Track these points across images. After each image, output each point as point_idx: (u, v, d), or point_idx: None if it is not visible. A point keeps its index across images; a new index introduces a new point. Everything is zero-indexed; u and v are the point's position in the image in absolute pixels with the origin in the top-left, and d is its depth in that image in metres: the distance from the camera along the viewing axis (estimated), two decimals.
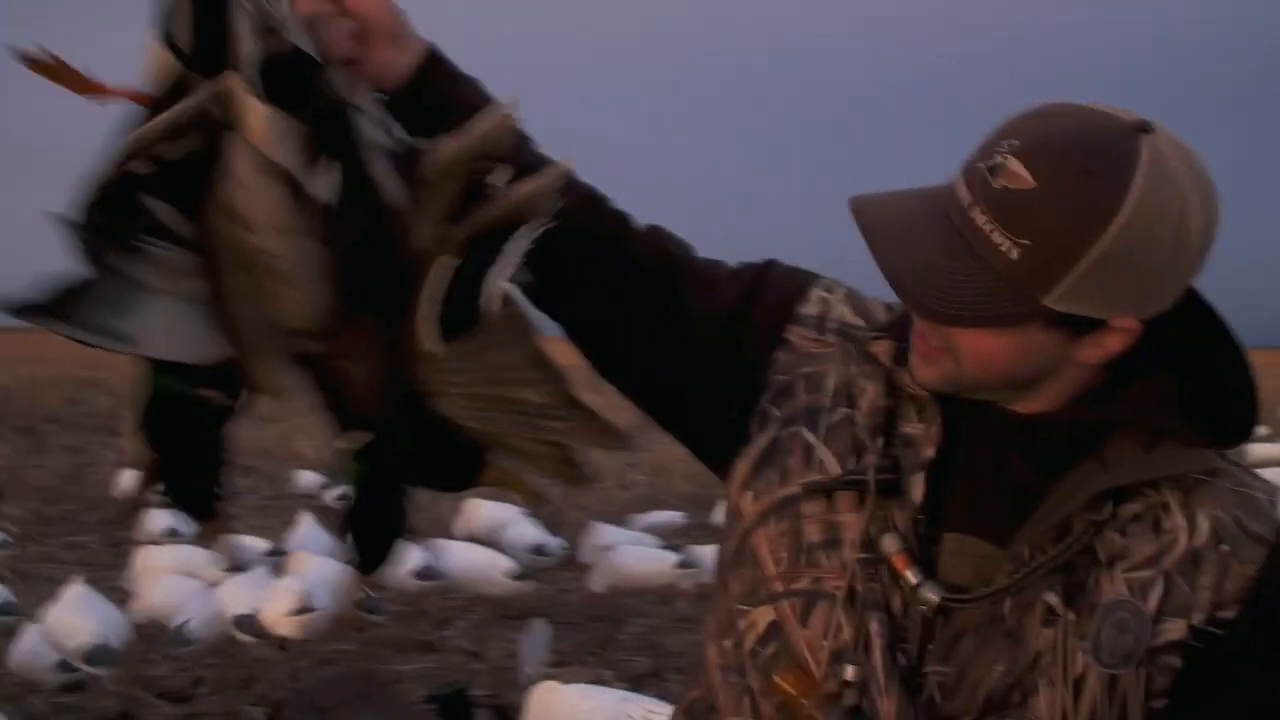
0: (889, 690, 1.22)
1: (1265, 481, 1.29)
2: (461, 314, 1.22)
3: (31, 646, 4.77)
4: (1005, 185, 1.10)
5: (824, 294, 1.37)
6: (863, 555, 1.24)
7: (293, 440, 14.73)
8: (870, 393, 1.29)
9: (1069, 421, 1.23)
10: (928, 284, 1.14)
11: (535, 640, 5.52)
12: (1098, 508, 1.20)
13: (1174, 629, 1.20)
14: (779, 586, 1.28)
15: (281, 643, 6.02)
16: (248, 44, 1.17)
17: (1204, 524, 1.21)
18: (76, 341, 1.17)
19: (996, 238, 1.11)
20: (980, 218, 1.12)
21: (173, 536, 7.15)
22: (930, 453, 1.24)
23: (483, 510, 7.47)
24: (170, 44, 1.18)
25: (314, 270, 1.22)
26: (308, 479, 10.34)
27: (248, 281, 1.21)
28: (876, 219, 1.18)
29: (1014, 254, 1.10)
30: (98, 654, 4.64)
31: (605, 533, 7.76)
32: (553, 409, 1.30)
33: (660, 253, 1.41)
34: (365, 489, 1.38)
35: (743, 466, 1.35)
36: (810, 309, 1.36)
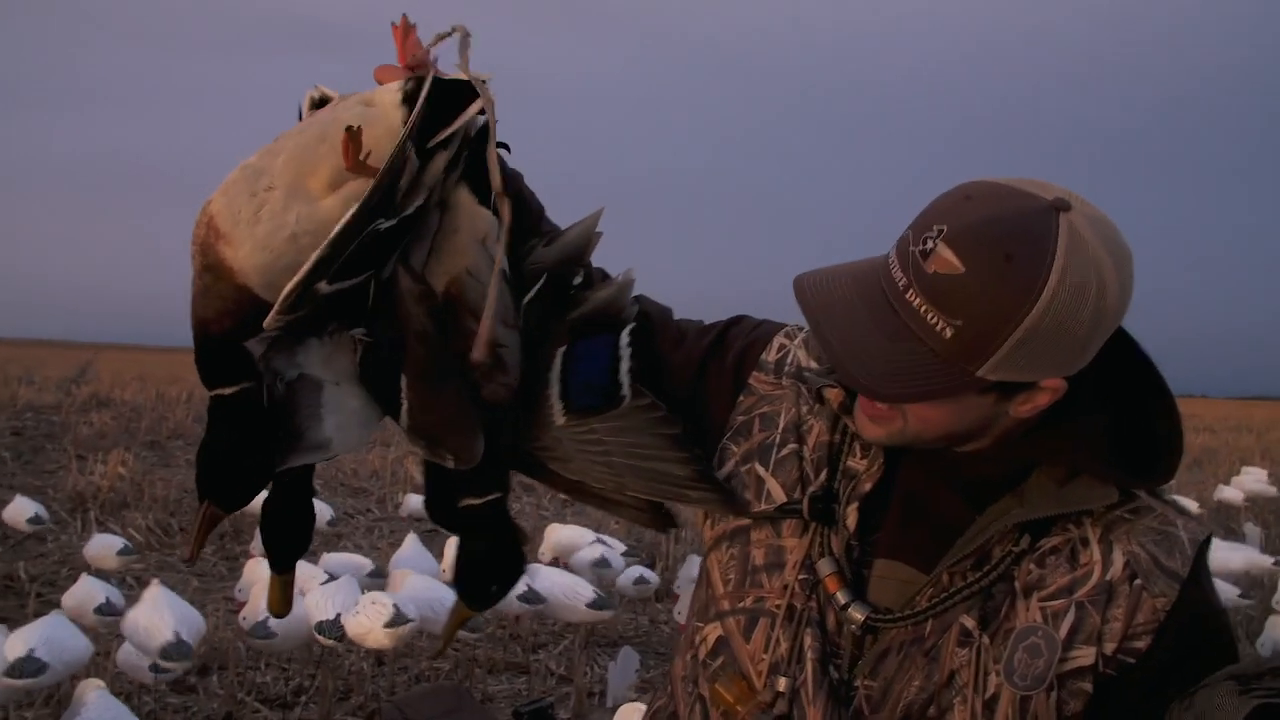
0: (815, 700, 1.31)
1: (1195, 522, 1.34)
2: (583, 394, 1.43)
3: (129, 649, 5.00)
4: (936, 270, 1.18)
5: (784, 340, 1.49)
6: (803, 576, 1.35)
7: (403, 463, 15.06)
8: (817, 430, 1.41)
9: (996, 459, 1.32)
10: (872, 369, 1.22)
11: (625, 667, 5.58)
12: (1016, 539, 1.29)
13: (1084, 655, 1.27)
14: (726, 605, 1.41)
15: (380, 656, 6.23)
16: (496, 175, 1.39)
17: (1118, 558, 1.28)
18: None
19: (931, 318, 1.18)
20: (915, 299, 1.19)
21: None
22: (867, 486, 1.36)
23: (579, 537, 7.57)
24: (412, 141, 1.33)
25: (518, 358, 1.41)
26: (416, 501, 10.55)
27: (457, 363, 1.38)
28: (821, 305, 1.27)
29: (948, 333, 1.18)
30: (171, 650, 4.85)
31: (696, 566, 7.78)
32: (694, 482, 1.44)
33: (641, 314, 1.54)
34: (480, 537, 1.50)
35: None
36: (771, 355, 1.48)
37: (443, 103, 1.35)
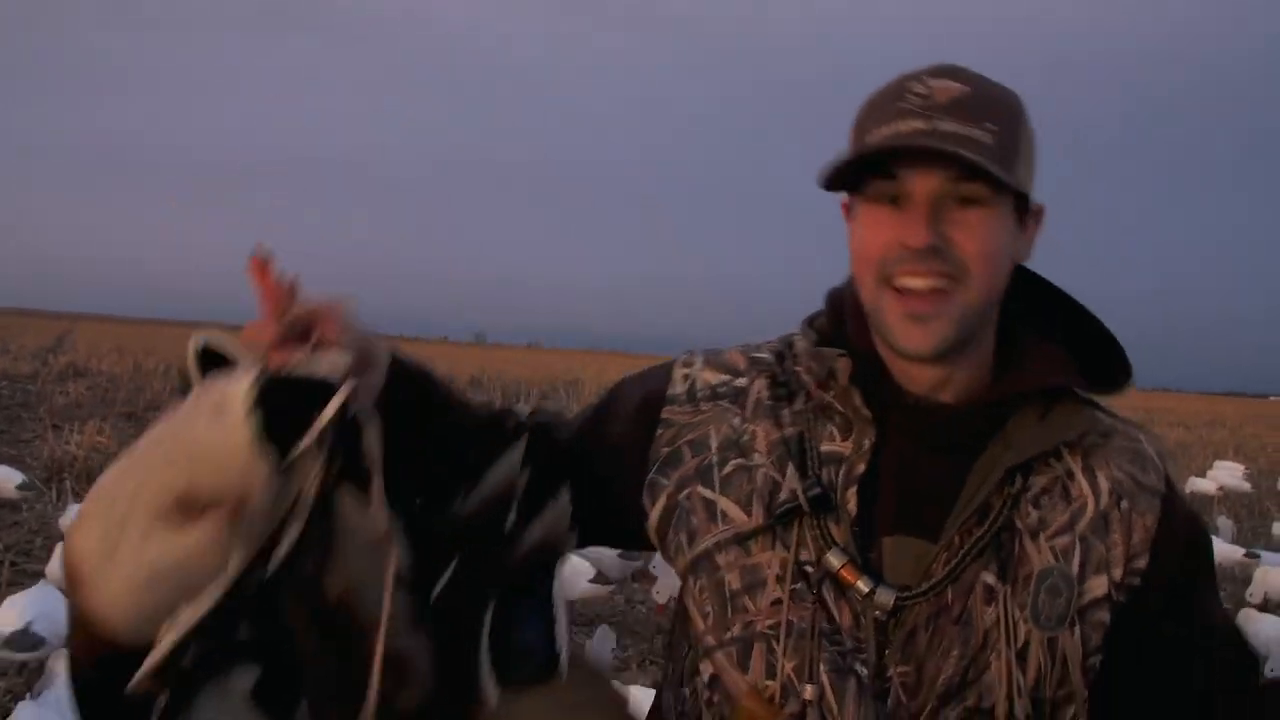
0: (845, 710, 1.27)
1: (1150, 433, 1.40)
2: (518, 663, 1.24)
3: None
4: (950, 98, 1.23)
5: (684, 370, 1.45)
6: (795, 586, 1.30)
7: None
8: (762, 433, 1.37)
9: (974, 410, 1.33)
10: (974, 156, 1.21)
11: (600, 644, 5.61)
12: (1009, 484, 1.30)
13: (1098, 585, 1.30)
14: (711, 640, 1.34)
15: None
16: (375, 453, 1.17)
17: (1104, 485, 1.32)
18: None
19: (975, 132, 1.22)
20: (951, 126, 1.22)
21: None
22: (861, 467, 1.32)
23: None
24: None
25: (427, 659, 1.22)
26: None
27: (358, 673, 1.17)
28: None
29: (989, 139, 1.22)
30: (19, 641, 4.83)
31: None
32: None
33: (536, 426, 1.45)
34: None
35: (652, 538, 1.42)
36: (677, 389, 1.44)
37: (303, 395, 1.14)
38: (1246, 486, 15.61)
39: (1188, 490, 14.10)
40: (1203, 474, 15.93)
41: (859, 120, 1.30)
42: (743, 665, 1.31)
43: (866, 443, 1.32)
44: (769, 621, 1.30)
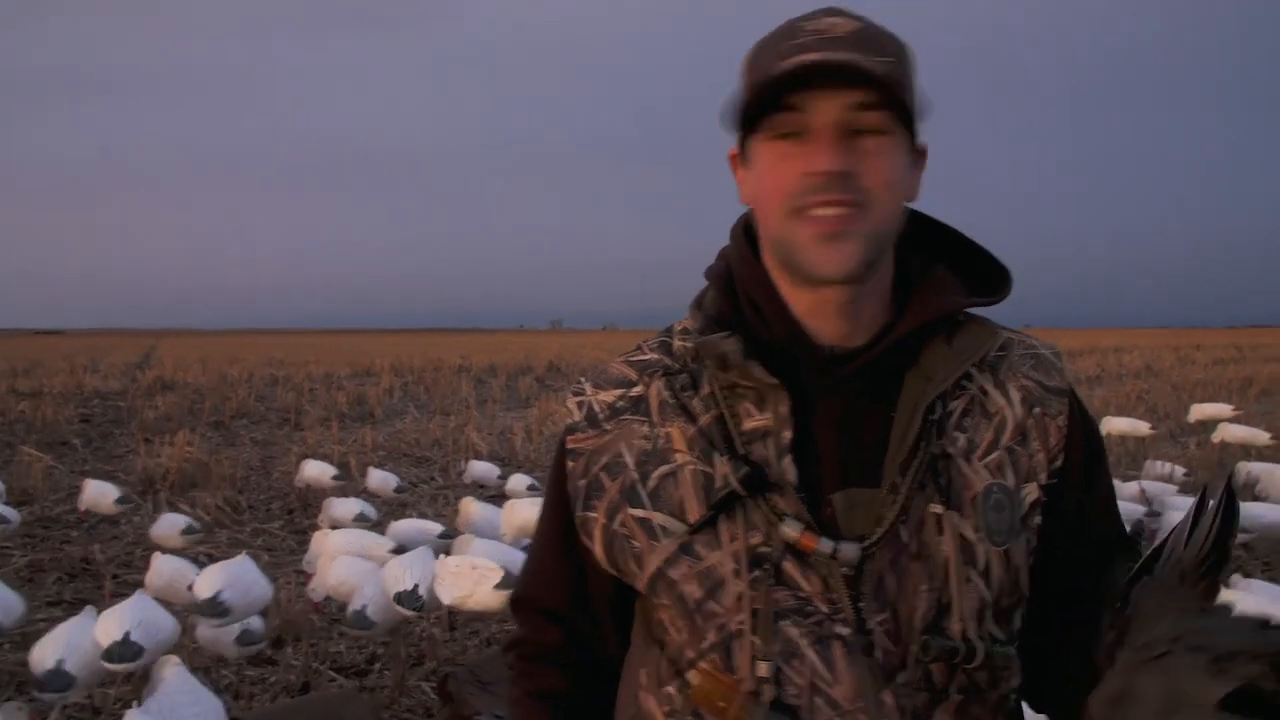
0: (839, 679, 1.26)
1: (1044, 340, 1.44)
2: None
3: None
4: (846, 32, 1.25)
5: (578, 399, 1.43)
6: (754, 575, 1.28)
7: (464, 431, 15.20)
8: (677, 433, 1.34)
9: (886, 351, 1.32)
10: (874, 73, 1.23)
11: None
12: (931, 412, 1.31)
13: (1030, 492, 1.34)
14: (690, 653, 1.32)
15: (451, 622, 6.30)
16: None
17: (1016, 395, 1.36)
18: None
19: (873, 61, 1.22)
20: (850, 55, 1.22)
21: (361, 521, 7.50)
22: (788, 434, 1.30)
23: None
24: None
25: None
26: (479, 469, 10.65)
27: None
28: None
29: (883, 69, 1.22)
30: (208, 607, 4.93)
31: None
32: None
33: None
34: None
35: (606, 570, 1.39)
36: (575, 417, 1.42)
37: None
38: None
39: None
40: None
41: (751, 64, 1.29)
42: (728, 668, 1.30)
43: (784, 409, 1.30)
44: (739, 618, 1.28)
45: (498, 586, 5.15)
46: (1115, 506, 1.46)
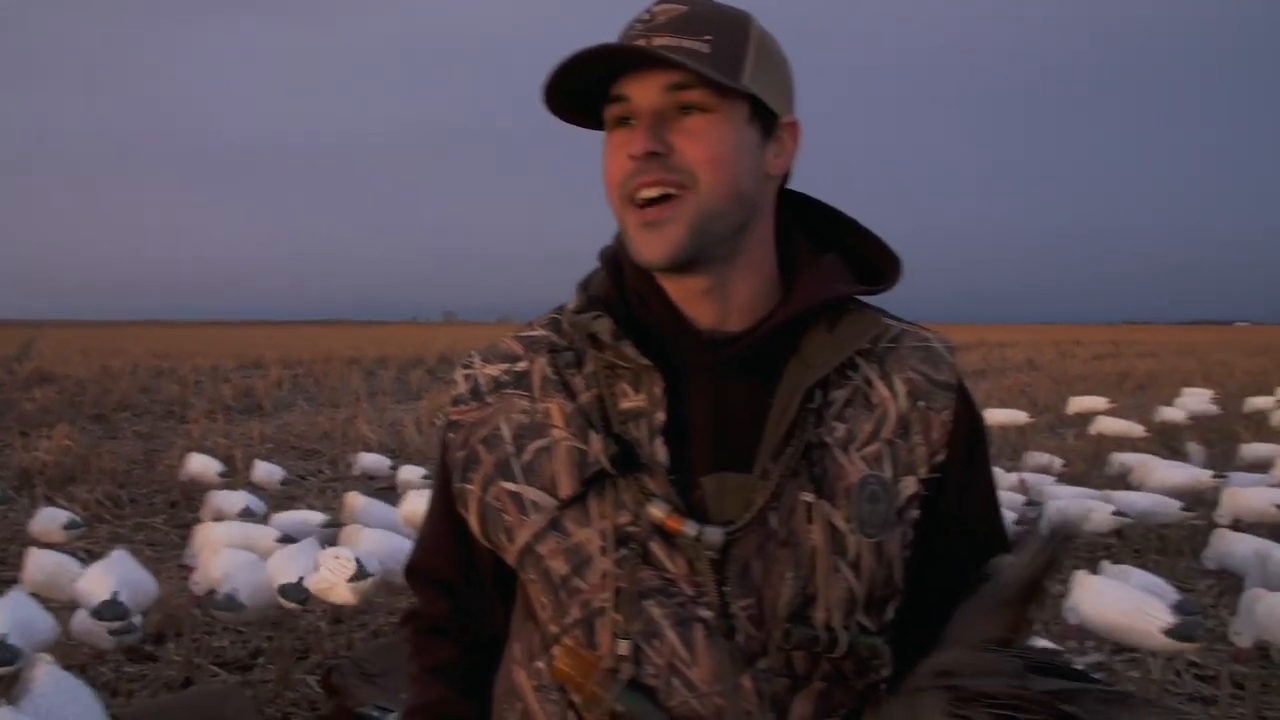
0: (697, 660, 1.28)
1: (938, 332, 1.44)
2: None
3: (83, 615, 4.96)
4: (669, 17, 1.27)
5: (466, 371, 1.45)
6: (621, 554, 1.30)
7: (353, 423, 15.03)
8: (556, 409, 1.36)
9: (766, 335, 1.33)
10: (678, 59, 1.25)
11: None
12: (810, 400, 1.32)
13: (908, 485, 1.34)
14: (555, 628, 1.34)
15: (337, 614, 6.22)
16: None
17: (901, 388, 1.36)
18: None
19: (689, 43, 1.25)
20: (665, 39, 1.25)
21: (247, 516, 7.36)
22: (661, 415, 1.31)
23: None
24: None
25: None
26: (367, 460, 10.54)
27: None
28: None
29: (706, 49, 1.25)
30: (108, 609, 4.82)
31: None
32: None
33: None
34: None
35: (482, 542, 1.41)
36: (460, 389, 1.44)
37: None
38: (1214, 410, 15.80)
39: (1157, 419, 14.30)
40: (1170, 402, 16.11)
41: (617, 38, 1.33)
42: (590, 645, 1.31)
43: (657, 390, 1.32)
44: (603, 595, 1.30)
45: (351, 579, 5.13)
46: (996, 505, 1.47)
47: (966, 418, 1.40)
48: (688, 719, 1.28)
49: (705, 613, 1.28)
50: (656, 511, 1.28)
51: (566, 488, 1.32)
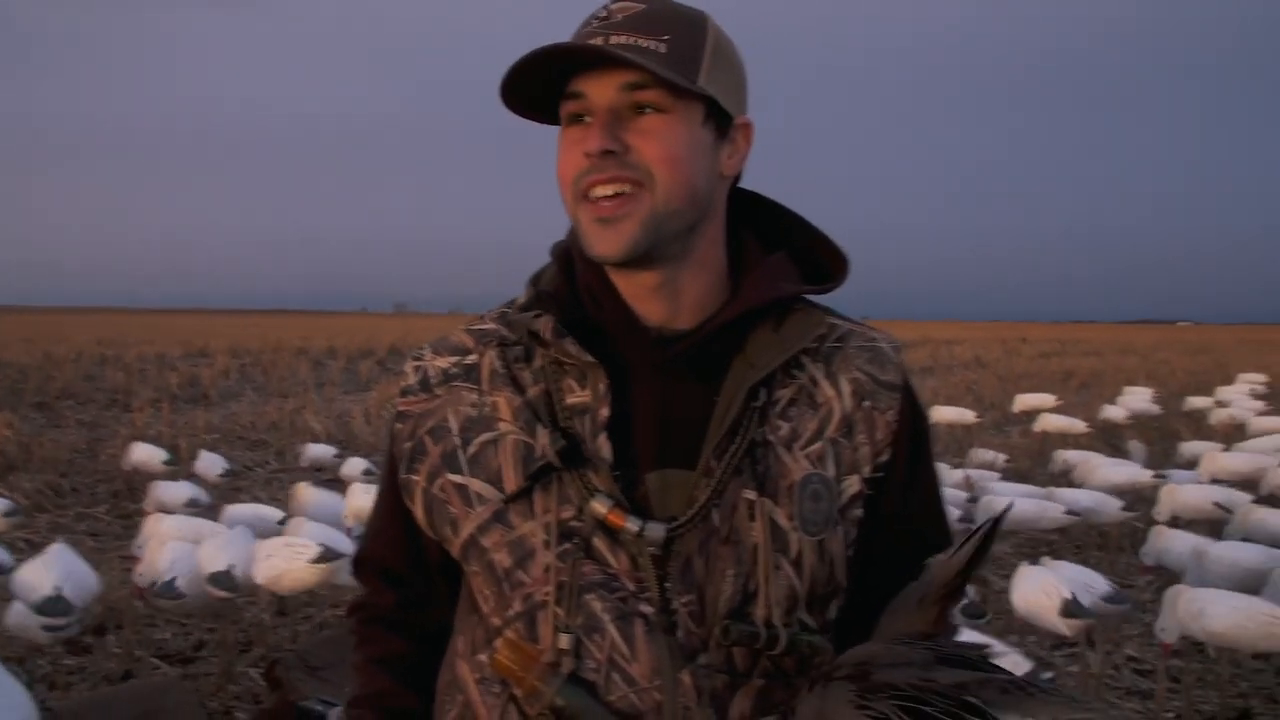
0: (637, 656, 1.29)
1: (885, 332, 1.46)
2: None
3: (20, 609, 4.89)
4: (626, 16, 1.28)
5: (416, 363, 1.45)
6: (563, 548, 1.30)
7: (301, 414, 14.90)
8: (504, 402, 1.36)
9: (712, 334, 1.34)
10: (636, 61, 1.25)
11: None
12: (755, 399, 1.33)
13: (852, 484, 1.37)
14: (497, 621, 1.34)
15: (281, 607, 6.18)
16: None
17: (846, 388, 1.38)
18: None
19: (646, 42, 1.26)
20: (622, 38, 1.26)
21: (192, 507, 7.28)
22: (605, 411, 1.32)
23: None
24: None
25: None
26: (315, 451, 10.45)
27: None
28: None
29: (662, 48, 1.26)
30: (51, 605, 4.76)
31: None
32: None
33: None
34: None
35: (428, 533, 1.42)
36: (410, 380, 1.44)
37: None
38: (1156, 410, 16.04)
39: (1100, 418, 14.49)
40: (1115, 401, 16.33)
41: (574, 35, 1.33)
42: (531, 638, 1.31)
43: (602, 386, 1.32)
44: (545, 589, 1.30)
45: (314, 561, 5.09)
46: (940, 504, 1.49)
47: (911, 417, 1.42)
48: (627, 714, 1.29)
49: (646, 608, 1.29)
50: (599, 507, 1.29)
51: (512, 481, 1.33)
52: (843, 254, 1.41)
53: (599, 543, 1.30)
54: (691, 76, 1.27)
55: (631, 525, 1.28)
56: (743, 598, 1.30)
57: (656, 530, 1.28)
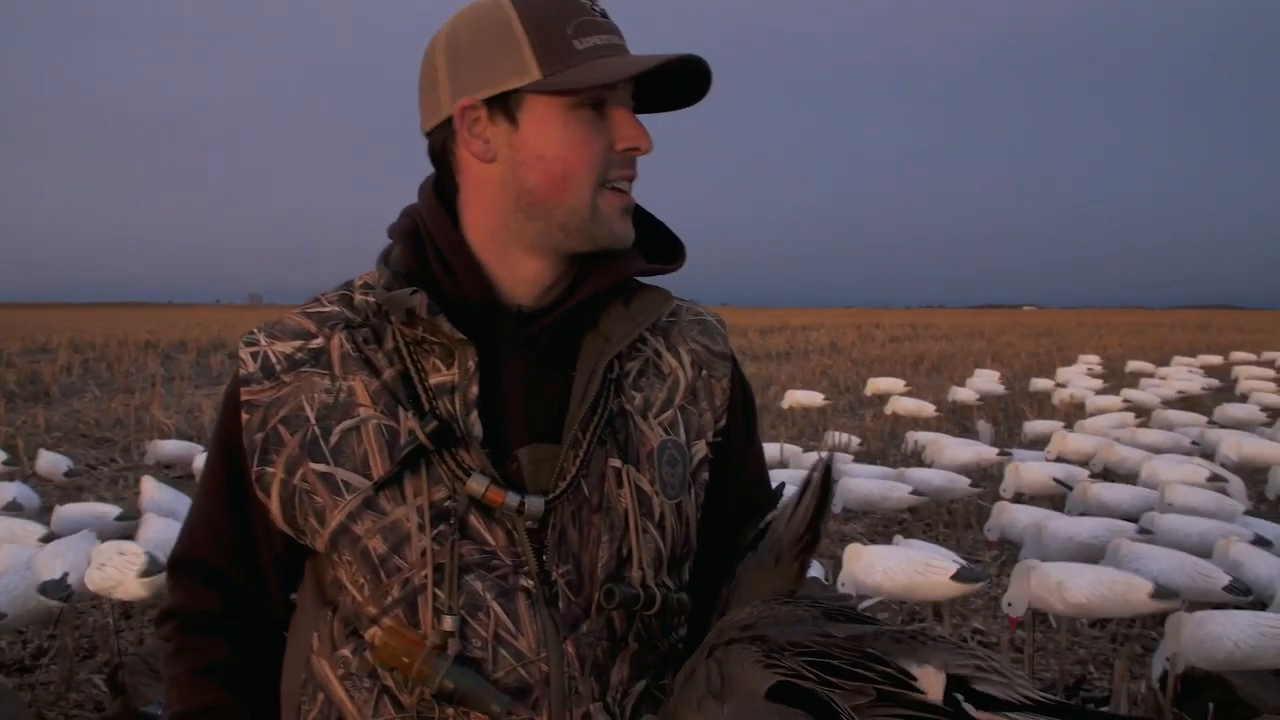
0: (522, 630, 1.30)
1: (710, 309, 1.58)
2: None
3: None
4: (604, 9, 1.35)
5: (251, 349, 1.39)
6: (439, 529, 1.30)
7: (148, 410, 14.43)
8: (359, 387, 1.34)
9: (570, 312, 1.39)
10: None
11: None
12: (610, 372, 1.39)
13: (699, 449, 1.45)
14: (374, 609, 1.32)
15: (127, 609, 5.97)
16: None
17: (687, 359, 1.48)
18: None
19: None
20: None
21: (13, 510, 6.97)
22: (474, 389, 1.32)
23: None
24: None
25: None
26: (162, 447, 10.14)
27: None
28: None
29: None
30: None
31: None
32: None
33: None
34: None
35: (285, 530, 1.37)
36: (250, 368, 1.38)
37: None
38: (1001, 390, 16.62)
39: (950, 399, 14.96)
40: (963, 383, 16.86)
41: (544, 19, 1.30)
42: (412, 623, 1.30)
43: (471, 364, 1.33)
44: (423, 573, 1.29)
45: (142, 574, 4.92)
46: (765, 469, 1.59)
47: (741, 385, 1.53)
48: (516, 688, 1.30)
49: (526, 582, 1.31)
50: (476, 485, 1.29)
51: (379, 467, 1.31)
52: (679, 240, 1.46)
53: (474, 521, 1.31)
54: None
55: (511, 501, 1.29)
56: (617, 563, 1.34)
57: (537, 504, 1.31)
